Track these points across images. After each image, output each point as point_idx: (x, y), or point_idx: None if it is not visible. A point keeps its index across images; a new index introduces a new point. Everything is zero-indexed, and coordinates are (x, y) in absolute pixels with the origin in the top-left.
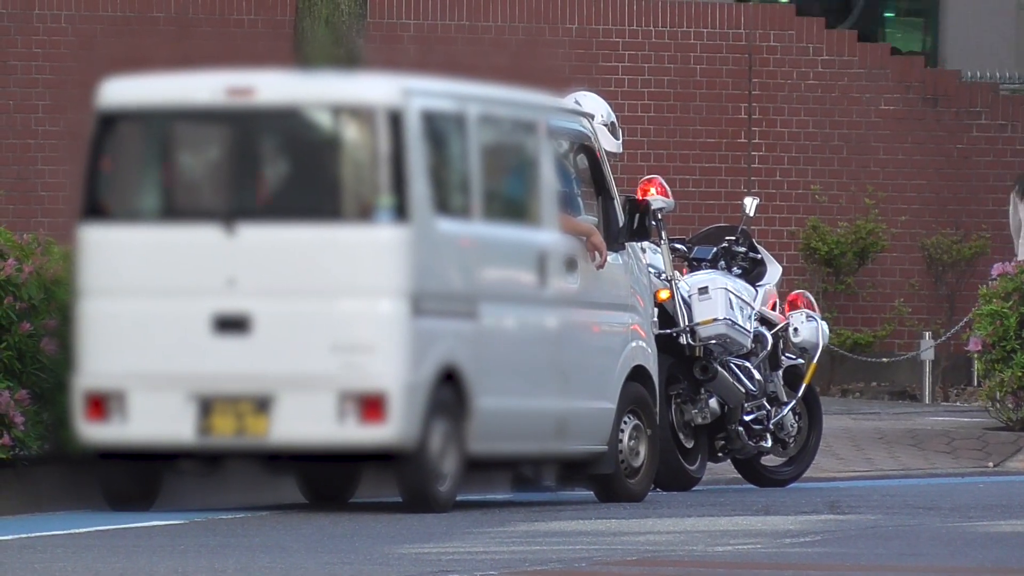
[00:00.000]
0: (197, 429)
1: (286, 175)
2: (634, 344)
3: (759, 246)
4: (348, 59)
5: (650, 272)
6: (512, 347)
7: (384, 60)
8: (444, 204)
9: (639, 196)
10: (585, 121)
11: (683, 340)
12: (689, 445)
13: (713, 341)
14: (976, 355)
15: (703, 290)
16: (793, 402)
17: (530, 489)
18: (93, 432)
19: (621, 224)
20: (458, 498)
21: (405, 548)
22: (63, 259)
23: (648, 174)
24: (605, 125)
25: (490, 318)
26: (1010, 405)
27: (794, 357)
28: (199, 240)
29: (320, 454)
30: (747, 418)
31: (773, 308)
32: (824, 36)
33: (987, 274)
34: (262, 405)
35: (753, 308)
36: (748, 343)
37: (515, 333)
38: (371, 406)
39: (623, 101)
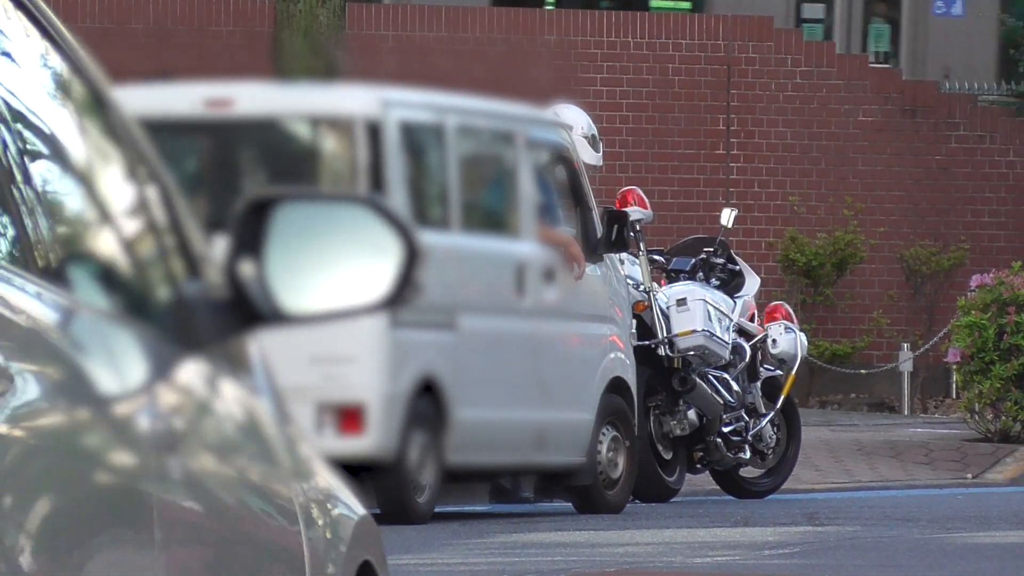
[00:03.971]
0: None
1: (264, 186)
2: (612, 355)
3: (737, 257)
4: (327, 70)
5: (628, 283)
6: (490, 358)
7: (363, 71)
8: (423, 215)
9: (618, 207)
10: (564, 132)
11: (661, 351)
12: (667, 456)
13: (691, 352)
14: (955, 366)
15: (681, 301)
16: (771, 413)
17: (508, 500)
18: None
19: (599, 235)
20: (436, 509)
21: None
22: None
23: (627, 185)
24: (585, 137)
25: (468, 329)
26: (988, 416)
27: (772, 368)
28: None
29: None
30: (725, 429)
31: (751, 319)
32: (803, 47)
33: (966, 285)
34: None
35: (731, 319)
36: (726, 354)
37: (493, 344)
38: (349, 417)
39: (602, 112)
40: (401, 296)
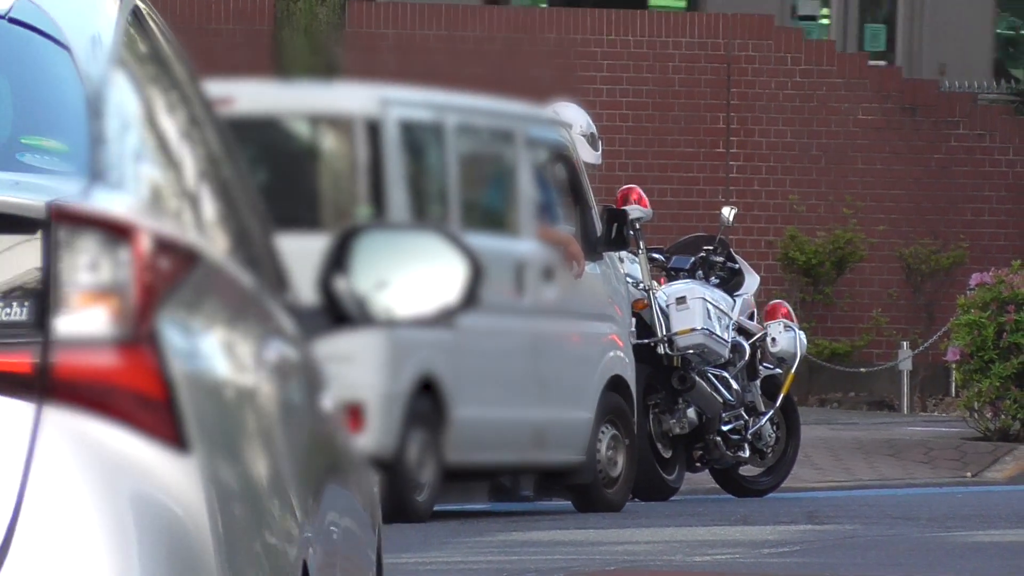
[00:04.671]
0: None
1: (264, 185)
2: (612, 354)
3: (737, 256)
4: (326, 69)
5: (628, 282)
6: (490, 357)
7: (362, 70)
8: (422, 213)
9: (617, 205)
10: (563, 131)
11: (661, 350)
12: (667, 455)
13: (691, 351)
14: (954, 365)
15: (681, 300)
16: (771, 412)
17: (508, 499)
18: None
19: (599, 233)
20: (436, 508)
21: (383, 558)
22: None
23: (626, 183)
24: (584, 136)
25: (468, 328)
26: (988, 415)
27: (772, 367)
28: None
29: None
30: (725, 428)
31: (751, 318)
32: (803, 46)
33: (965, 284)
34: None
35: (731, 318)
36: (726, 353)
37: (493, 343)
38: (348, 416)
39: (602, 111)
40: (466, 306)
